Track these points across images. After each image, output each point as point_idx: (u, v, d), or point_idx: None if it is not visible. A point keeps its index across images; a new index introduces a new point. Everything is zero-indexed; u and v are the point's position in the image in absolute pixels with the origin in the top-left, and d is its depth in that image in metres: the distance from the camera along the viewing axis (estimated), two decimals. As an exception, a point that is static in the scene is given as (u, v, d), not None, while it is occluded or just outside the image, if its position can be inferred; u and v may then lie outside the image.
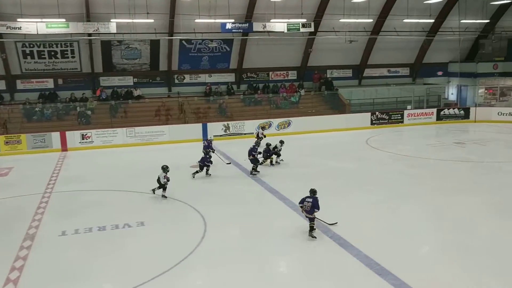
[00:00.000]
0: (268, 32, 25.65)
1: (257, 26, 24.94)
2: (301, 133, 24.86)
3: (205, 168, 16.30)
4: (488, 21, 31.34)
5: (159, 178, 13.79)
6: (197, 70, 28.60)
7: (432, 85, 32.68)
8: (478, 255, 9.49)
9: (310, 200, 10.62)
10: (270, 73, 30.27)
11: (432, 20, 29.66)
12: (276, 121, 25.25)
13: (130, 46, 26.51)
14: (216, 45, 27.83)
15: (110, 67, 26.84)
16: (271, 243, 10.51)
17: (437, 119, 27.82)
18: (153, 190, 14.05)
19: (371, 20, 28.19)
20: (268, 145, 17.79)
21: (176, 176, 16.71)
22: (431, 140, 22.88)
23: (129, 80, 27.61)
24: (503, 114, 27.58)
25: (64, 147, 22.17)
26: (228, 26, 24.42)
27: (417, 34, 30.61)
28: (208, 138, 19.41)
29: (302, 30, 25.70)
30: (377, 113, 27.04)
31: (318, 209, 10.54)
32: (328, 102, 29.26)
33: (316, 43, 28.84)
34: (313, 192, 10.79)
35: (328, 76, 31.03)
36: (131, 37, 25.43)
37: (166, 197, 13.82)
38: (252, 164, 16.54)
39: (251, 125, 24.79)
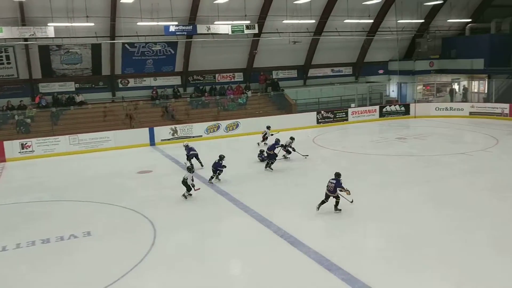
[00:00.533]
0: (213, 34, 25.64)
1: (201, 29, 24.82)
2: (249, 134, 24.95)
3: (217, 172, 15.69)
4: (423, 21, 32.85)
5: (185, 180, 13.60)
6: (142, 74, 28.10)
7: (374, 83, 33.86)
8: (422, 245, 9.90)
9: (334, 181, 11.76)
10: (217, 75, 30.23)
11: (371, 20, 30.71)
12: (224, 123, 25.22)
13: (70, 50, 25.65)
14: (160, 48, 27.47)
15: (49, 72, 25.81)
16: (223, 245, 10.50)
17: (380, 116, 28.79)
18: (184, 196, 13.82)
19: (313, 21, 28.79)
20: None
21: (122, 182, 16.38)
22: (375, 136, 23.67)
23: (70, 86, 26.68)
24: (440, 109, 28.95)
25: (2, 157, 21.06)
26: (172, 28, 24.17)
27: (358, 34, 31.59)
28: (185, 143, 18.48)
29: (246, 31, 25.88)
30: (322, 112, 27.62)
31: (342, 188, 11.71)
32: (275, 103, 29.60)
33: (261, 44, 29.12)
34: (337, 175, 11.92)
35: (273, 77, 31.41)
36: (71, 42, 24.59)
37: (191, 195, 13.82)
38: (271, 160, 17.00)
39: (199, 128, 24.63)
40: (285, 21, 27.42)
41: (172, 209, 13.15)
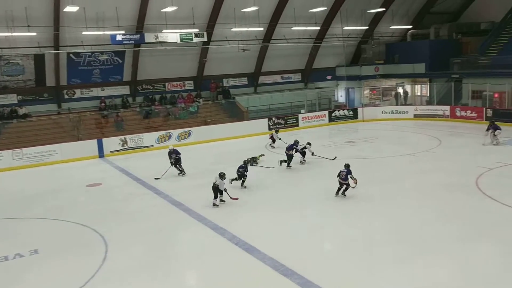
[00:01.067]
0: (161, 42, 25.37)
1: (149, 37, 24.54)
2: (202, 142, 24.84)
3: (242, 179, 15.62)
4: (367, 27, 33.94)
5: (216, 186, 13.39)
6: (88, 84, 27.34)
7: (323, 89, 34.55)
8: (377, 246, 10.17)
9: (345, 170, 13.56)
10: (167, 84, 29.88)
11: (318, 28, 31.40)
12: (176, 132, 24.93)
13: (11, 61, 24.61)
14: (107, 57, 26.85)
15: (-11, 85, 24.66)
16: (176, 256, 10.36)
17: (329, 121, 29.40)
18: (219, 200, 13.57)
19: (261, 29, 29.09)
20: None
21: (71, 197, 15.83)
22: (325, 141, 24.07)
23: (12, 98, 25.56)
24: (387, 112, 29.96)
25: None
26: (119, 37, 23.75)
27: (305, 41, 32.19)
28: (170, 148, 18.11)
29: (195, 40, 25.81)
30: (273, 118, 27.90)
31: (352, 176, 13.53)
32: (226, 111, 29.61)
33: (210, 52, 29.08)
34: (347, 166, 13.71)
35: (224, 85, 31.44)
36: (12, 52, 23.61)
37: (223, 201, 13.68)
38: (287, 160, 18.00)
39: (150, 138, 24.20)
40: (233, 29, 27.56)
41: (123, 221, 12.84)
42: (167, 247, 10.87)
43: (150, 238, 11.44)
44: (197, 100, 29.44)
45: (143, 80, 28.90)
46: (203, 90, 30.60)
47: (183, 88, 30.29)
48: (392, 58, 35.17)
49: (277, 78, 34.00)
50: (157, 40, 24.84)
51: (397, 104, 32.45)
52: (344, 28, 32.02)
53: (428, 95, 33.58)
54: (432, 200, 13.11)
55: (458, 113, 27.42)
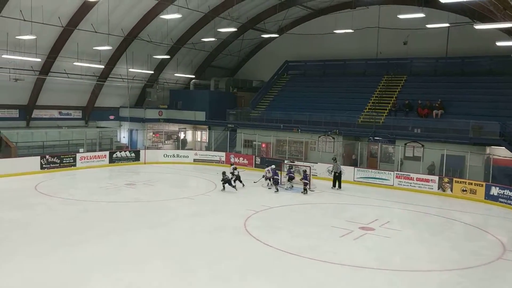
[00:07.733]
0: None
1: None
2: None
3: None
4: (152, 72, 34.72)
5: None
6: None
7: (105, 128, 33.59)
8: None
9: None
10: None
11: (102, 66, 30.69)
12: None
13: None
14: None
15: None
16: None
17: (110, 162, 28.49)
18: None
19: (39, 60, 26.95)
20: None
21: None
22: (103, 182, 23.22)
23: None
24: (168, 156, 30.68)
25: None
26: None
27: (88, 78, 31.08)
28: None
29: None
30: (47, 156, 25.66)
31: None
32: (-11, 145, 26.06)
33: (-26, 78, 25.53)
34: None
35: (-11, 115, 27.82)
36: None
37: None
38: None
39: None
40: (5, 56, 24.81)
41: None
42: None
43: None
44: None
45: None
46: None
47: None
48: (175, 103, 36.56)
49: (55, 113, 31.74)
50: None
51: (178, 148, 33.60)
52: (129, 69, 32.10)
53: (207, 141, 35.81)
54: (204, 242, 13.74)
55: (232, 160, 29.85)
